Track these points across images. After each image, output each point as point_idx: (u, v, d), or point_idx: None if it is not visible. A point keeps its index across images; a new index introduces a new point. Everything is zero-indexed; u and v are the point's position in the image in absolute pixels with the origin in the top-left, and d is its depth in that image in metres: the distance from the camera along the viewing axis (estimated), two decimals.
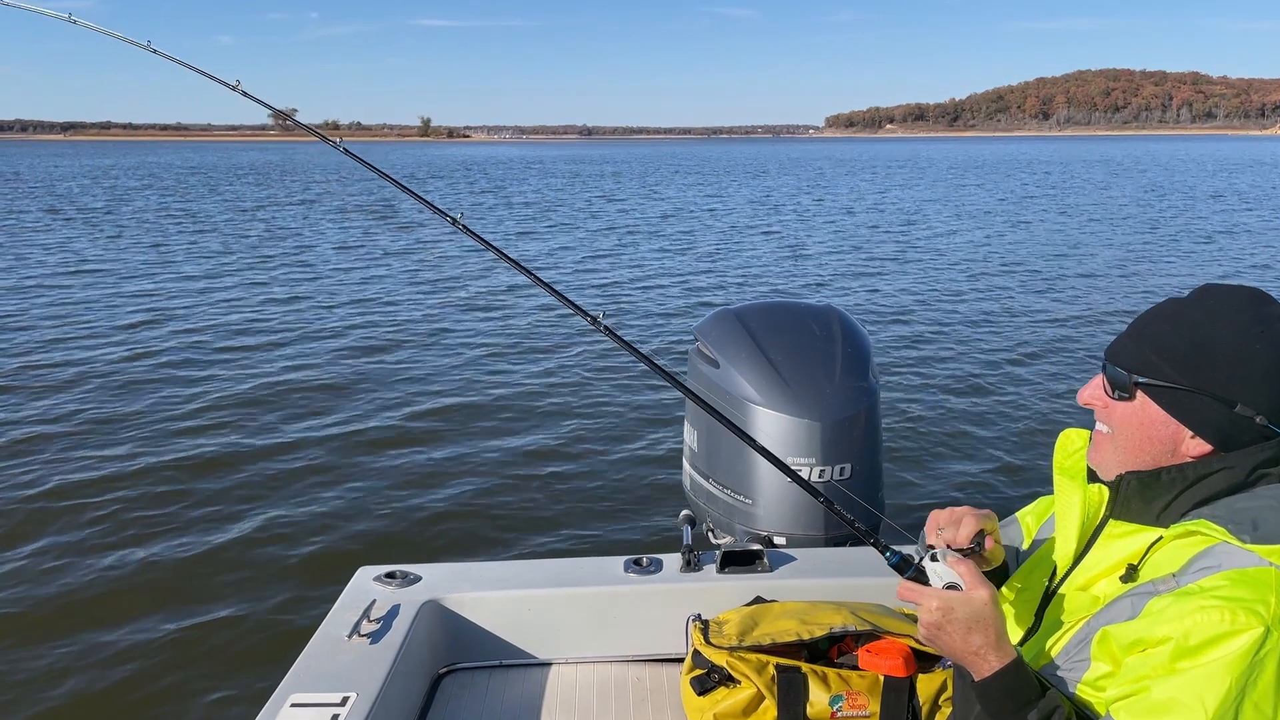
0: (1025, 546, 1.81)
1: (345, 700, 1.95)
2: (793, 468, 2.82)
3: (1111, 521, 1.49)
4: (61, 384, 8.70)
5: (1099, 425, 1.53)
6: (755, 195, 35.92)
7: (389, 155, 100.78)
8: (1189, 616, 1.26)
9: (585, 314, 2.00)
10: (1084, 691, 1.39)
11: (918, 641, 2.29)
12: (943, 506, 1.90)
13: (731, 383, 2.96)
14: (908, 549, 2.61)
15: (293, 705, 1.93)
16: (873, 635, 2.29)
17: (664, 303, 13.36)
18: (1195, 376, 1.39)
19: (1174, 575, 1.34)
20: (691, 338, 3.25)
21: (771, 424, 2.87)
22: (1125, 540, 1.46)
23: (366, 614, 2.25)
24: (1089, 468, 1.60)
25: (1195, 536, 1.36)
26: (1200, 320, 1.41)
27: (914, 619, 2.43)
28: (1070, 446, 1.66)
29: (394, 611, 2.30)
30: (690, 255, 18.33)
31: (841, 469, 2.84)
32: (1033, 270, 15.88)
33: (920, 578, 1.45)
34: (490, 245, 2.06)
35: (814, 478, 2.83)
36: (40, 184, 42.38)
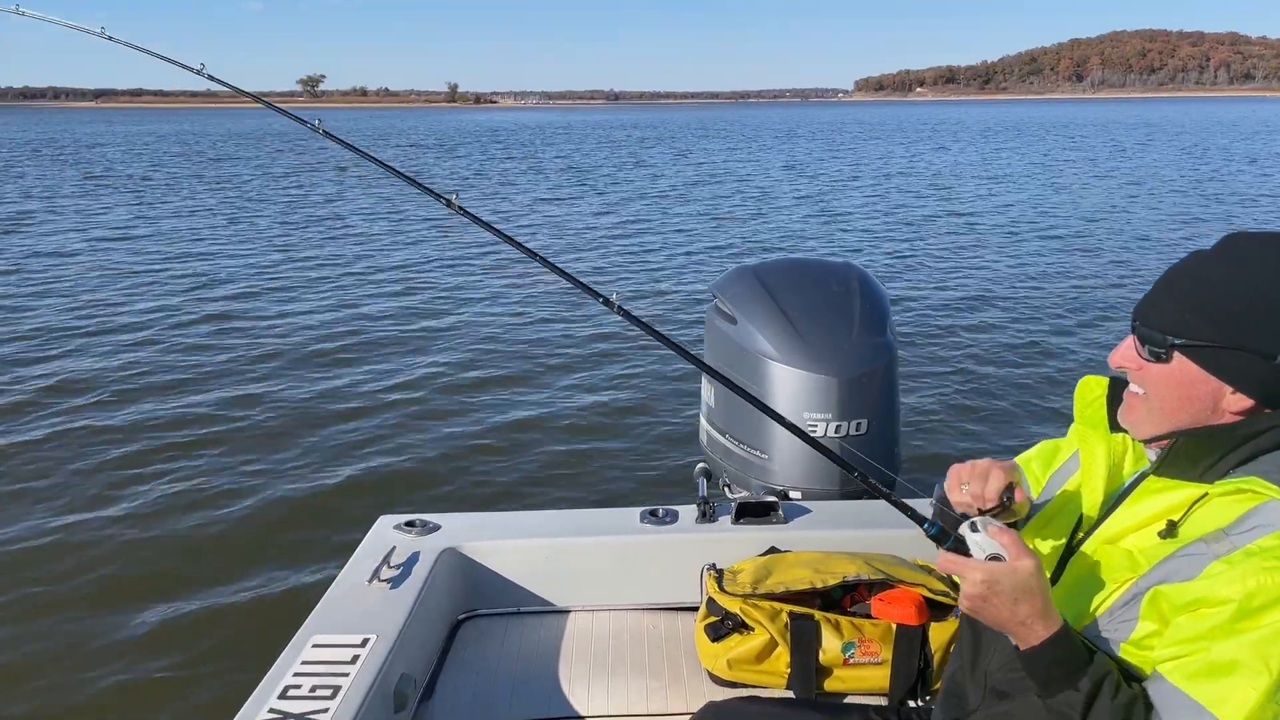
0: (1035, 495, 1.77)
1: (365, 642, 2.01)
2: (809, 423, 2.87)
3: (1151, 477, 1.46)
4: (94, 345, 8.86)
5: (1131, 386, 1.48)
6: (785, 160, 35.65)
7: (419, 122, 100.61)
8: (1251, 577, 1.25)
9: (597, 295, 1.90)
10: (1129, 652, 1.38)
11: (930, 591, 2.32)
12: (961, 461, 1.89)
13: (749, 339, 2.98)
14: (923, 503, 2.65)
15: (315, 645, 2.00)
16: (886, 584, 2.32)
17: (690, 263, 13.37)
18: (1232, 332, 1.34)
19: (1225, 532, 1.32)
20: (710, 295, 3.26)
21: (788, 379, 2.89)
22: (1163, 495, 1.43)
23: (387, 560, 2.31)
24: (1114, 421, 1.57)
25: (1245, 494, 1.34)
26: (1230, 272, 1.37)
27: (927, 569, 2.47)
28: (1089, 394, 1.64)
29: (414, 558, 2.36)
30: (717, 218, 18.29)
31: (858, 424, 2.86)
32: (1062, 232, 15.71)
33: (960, 548, 1.40)
34: (491, 227, 2.01)
35: (830, 433, 2.85)
36: (77, 151, 42.75)
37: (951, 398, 7.23)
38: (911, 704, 2.25)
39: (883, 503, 2.74)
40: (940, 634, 2.25)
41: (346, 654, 1.97)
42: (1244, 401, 1.38)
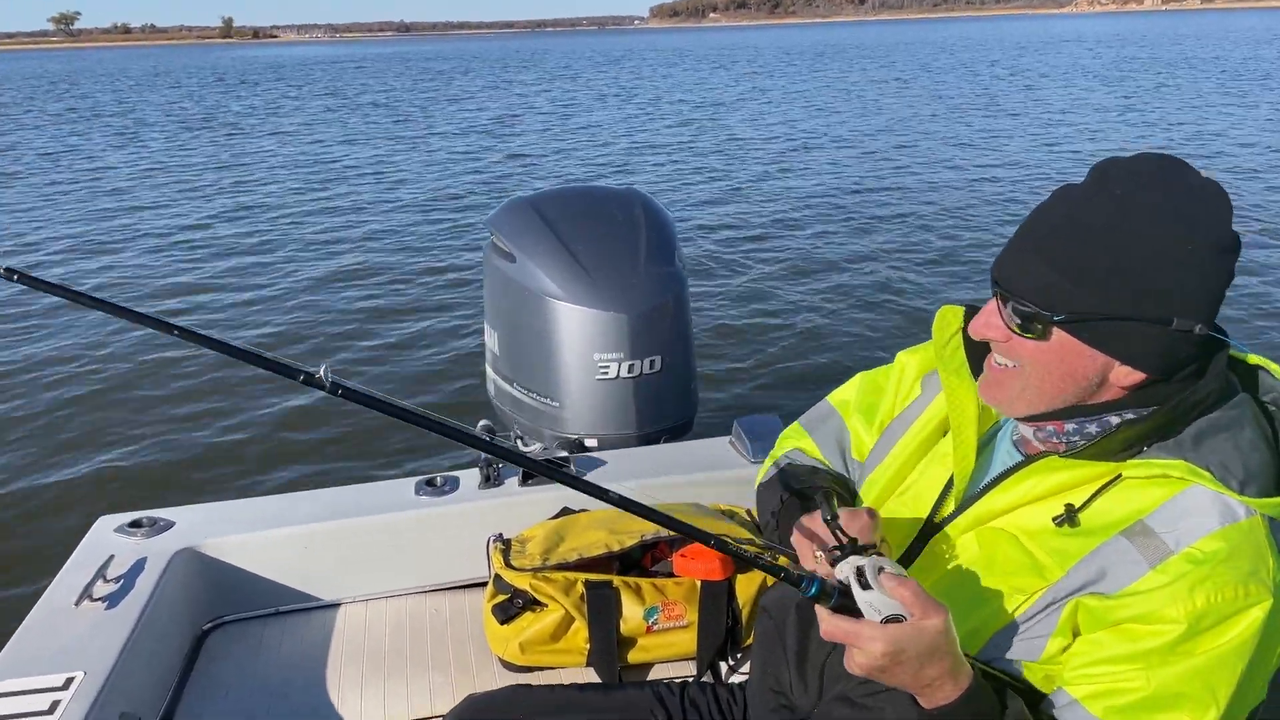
0: (860, 453, 1.52)
1: (69, 682, 1.64)
2: (600, 364, 2.64)
3: (1055, 457, 1.22)
4: None
5: (998, 358, 1.24)
6: (584, 90, 35.10)
7: (192, 59, 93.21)
8: (1200, 593, 1.07)
9: (297, 373, 1.17)
10: (1030, 671, 1.19)
11: (734, 540, 2.14)
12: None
13: (530, 278, 2.71)
14: (721, 441, 2.48)
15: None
16: (688, 539, 2.13)
17: (474, 198, 12.83)
18: (1124, 301, 1.11)
19: (1147, 525, 1.14)
20: (486, 231, 2.96)
21: (575, 319, 2.65)
22: (1060, 472, 1.21)
23: (102, 573, 1.92)
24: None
25: (1166, 479, 1.16)
26: (1117, 224, 1.12)
27: (730, 514, 2.29)
28: (948, 329, 1.38)
29: (139, 566, 1.98)
30: (507, 152, 17.69)
31: (651, 362, 2.66)
32: (858, 155, 15.95)
33: (848, 605, 1.10)
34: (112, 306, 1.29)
35: (623, 373, 2.64)
36: None
37: (746, 328, 7.08)
38: (723, 664, 2.09)
39: (680, 445, 2.57)
40: (747, 586, 2.08)
41: (41, 702, 1.60)
42: (1135, 376, 1.16)
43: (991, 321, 1.21)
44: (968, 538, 1.27)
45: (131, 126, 23.95)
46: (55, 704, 1.59)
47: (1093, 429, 1.22)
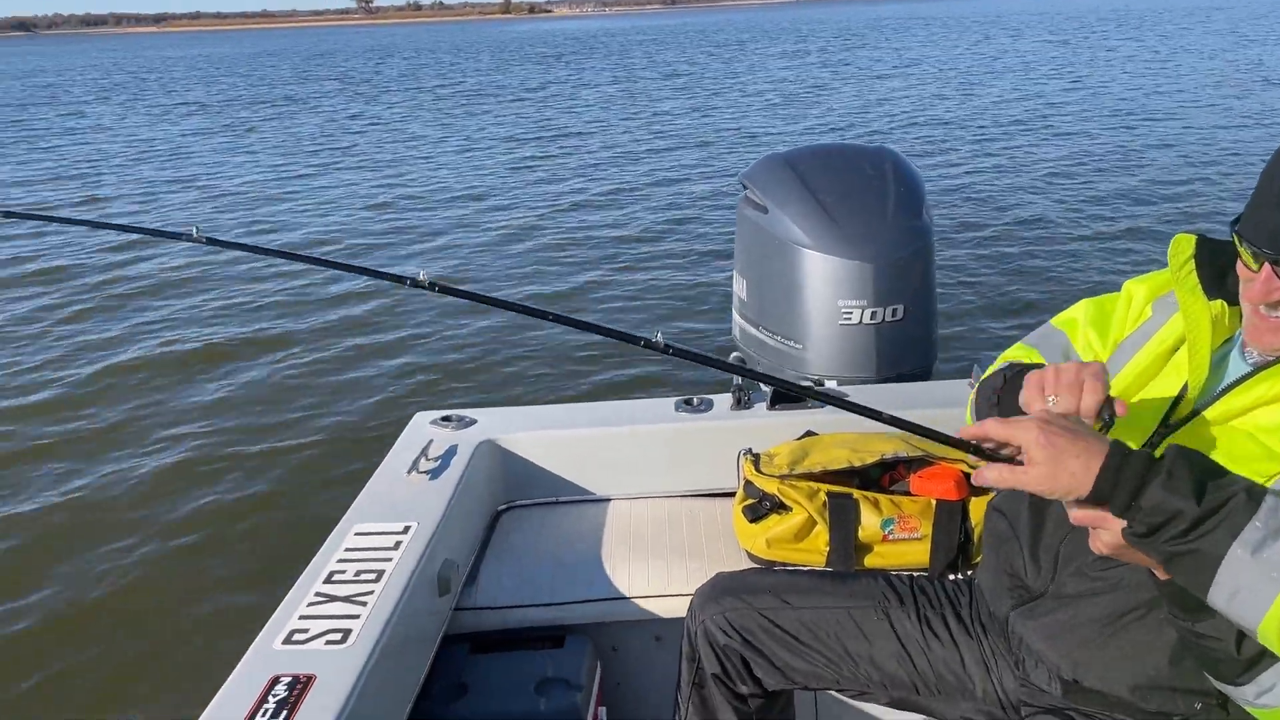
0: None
1: (407, 529, 2.07)
2: (844, 310, 2.83)
3: None
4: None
5: (1265, 308, 1.34)
6: (842, 58, 34.60)
7: (482, 34, 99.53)
8: None
9: (637, 339, 1.56)
10: None
11: (970, 467, 2.29)
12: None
13: (781, 227, 2.92)
14: (960, 384, 2.61)
15: (357, 534, 2.06)
16: (925, 461, 2.28)
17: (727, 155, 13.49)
18: None
19: None
20: (740, 185, 3.20)
21: (822, 267, 2.83)
22: None
23: (425, 453, 2.36)
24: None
25: None
26: None
27: (966, 445, 2.43)
28: (1182, 255, 1.51)
29: (451, 451, 2.41)
30: (775, 111, 17.95)
31: (894, 310, 2.81)
32: (1114, 120, 15.32)
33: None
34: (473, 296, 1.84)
35: (866, 320, 2.81)
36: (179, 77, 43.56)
37: (988, 282, 7.27)
38: (951, 577, 2.24)
39: (921, 385, 2.74)
40: (980, 509, 2.21)
41: (389, 540, 2.03)
42: None
43: (1272, 285, 1.32)
44: (1204, 435, 1.40)
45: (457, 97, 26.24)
46: (399, 544, 2.02)
47: None
